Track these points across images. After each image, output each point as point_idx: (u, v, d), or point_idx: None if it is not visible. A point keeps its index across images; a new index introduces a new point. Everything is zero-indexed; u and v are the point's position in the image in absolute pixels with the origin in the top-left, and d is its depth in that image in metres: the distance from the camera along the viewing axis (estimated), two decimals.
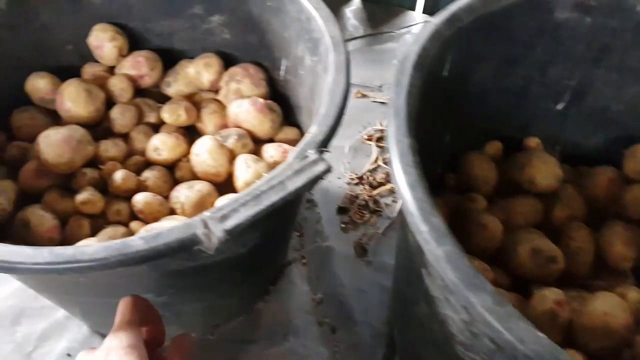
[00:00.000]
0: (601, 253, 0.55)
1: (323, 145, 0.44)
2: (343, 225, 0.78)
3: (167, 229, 0.37)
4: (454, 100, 0.57)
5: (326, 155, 0.41)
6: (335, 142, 0.45)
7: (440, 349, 0.42)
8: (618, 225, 0.55)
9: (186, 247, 0.37)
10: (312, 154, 0.40)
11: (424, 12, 1.08)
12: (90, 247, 0.36)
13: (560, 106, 0.64)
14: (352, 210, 0.79)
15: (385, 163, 0.83)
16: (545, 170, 0.58)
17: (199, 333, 0.65)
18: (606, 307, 0.45)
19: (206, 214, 0.36)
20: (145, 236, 0.37)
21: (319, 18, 0.55)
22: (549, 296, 0.47)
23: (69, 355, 0.65)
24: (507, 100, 0.63)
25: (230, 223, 0.36)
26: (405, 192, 0.36)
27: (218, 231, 0.35)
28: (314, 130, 0.45)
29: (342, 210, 0.79)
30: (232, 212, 0.37)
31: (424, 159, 0.54)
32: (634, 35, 0.56)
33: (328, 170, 0.39)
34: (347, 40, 1.09)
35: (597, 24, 0.56)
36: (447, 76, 0.53)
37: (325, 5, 0.57)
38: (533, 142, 0.65)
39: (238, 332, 0.67)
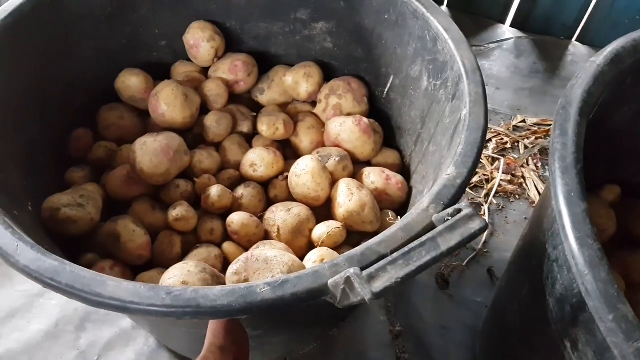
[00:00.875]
0: None
1: (462, 189, 0.40)
2: None
3: (296, 275, 0.33)
4: (587, 142, 0.52)
5: (478, 209, 0.36)
6: None
7: None
8: None
9: (315, 298, 0.33)
10: (466, 207, 0.35)
11: (513, 25, 1.02)
12: (213, 291, 0.32)
13: None
14: None
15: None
16: None
17: (272, 359, 0.62)
18: None
19: (350, 270, 0.32)
20: (271, 282, 0.33)
21: (449, 40, 0.51)
22: None
23: None
24: (637, 143, 0.57)
25: (379, 285, 0.32)
26: (584, 273, 0.31)
27: (366, 293, 0.31)
28: (452, 172, 0.41)
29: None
30: (379, 271, 0.33)
31: None
32: None
33: (485, 228, 0.35)
34: None
35: None
36: (591, 119, 0.48)
37: (456, 26, 0.52)
38: None
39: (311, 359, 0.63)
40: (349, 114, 0.61)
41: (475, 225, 0.34)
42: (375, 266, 0.33)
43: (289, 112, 0.65)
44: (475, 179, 0.78)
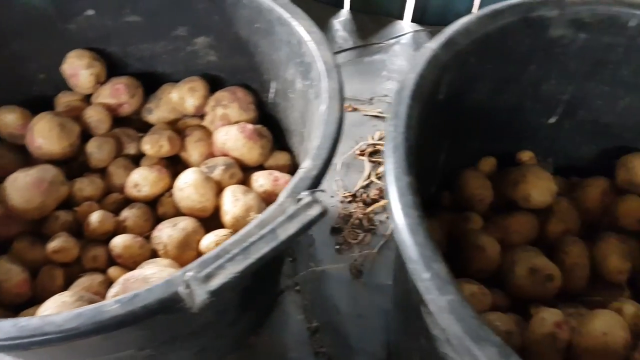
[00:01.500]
0: (596, 267, 0.54)
1: (317, 180, 0.42)
2: (337, 247, 0.76)
3: (146, 289, 0.34)
4: (450, 122, 0.56)
5: (321, 195, 0.38)
6: None
7: None
8: (612, 237, 0.55)
9: (167, 308, 0.34)
10: (306, 196, 0.37)
11: (413, 20, 1.06)
12: (59, 317, 0.33)
13: (553, 120, 0.63)
14: (346, 230, 0.77)
15: (378, 178, 0.81)
16: (540, 186, 0.57)
17: None
18: (605, 327, 0.44)
19: (189, 273, 0.34)
20: (121, 299, 0.34)
21: (311, 42, 0.53)
22: (548, 319, 0.46)
23: None
24: (501, 117, 0.61)
25: (216, 283, 0.33)
26: (406, 237, 0.34)
27: (202, 293, 0.33)
28: (308, 165, 0.43)
29: (335, 231, 0.77)
30: (217, 269, 0.34)
31: (419, 182, 0.53)
32: (625, 49, 0.55)
33: (324, 213, 0.37)
34: (336, 53, 1.10)
35: (590, 39, 0.55)
36: (443, 99, 0.51)
37: (317, 28, 0.54)
38: (526, 155, 0.64)
39: None
40: (237, 122, 0.62)
41: (314, 211, 0.36)
42: (213, 265, 0.34)
43: (179, 128, 0.65)
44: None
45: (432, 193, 0.64)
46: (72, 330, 0.32)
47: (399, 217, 0.35)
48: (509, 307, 0.53)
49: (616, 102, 0.59)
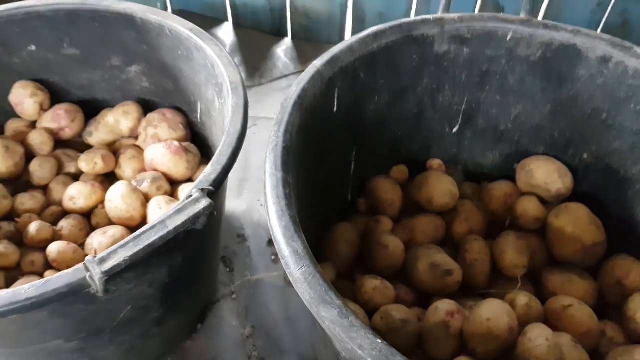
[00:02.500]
0: (496, 263, 0.58)
1: (216, 183, 0.47)
2: (273, 257, 0.80)
3: (57, 275, 0.39)
4: (353, 132, 0.62)
5: (210, 193, 0.44)
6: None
7: None
8: (510, 235, 0.59)
9: (76, 291, 0.39)
10: (195, 192, 0.43)
11: None
12: None
13: (455, 129, 0.68)
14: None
15: None
16: (441, 190, 0.62)
17: None
18: (489, 313, 0.48)
19: (88, 257, 0.39)
20: (35, 283, 0.39)
21: (221, 65, 0.59)
22: (441, 308, 0.51)
23: None
24: (406, 127, 0.67)
25: (108, 265, 0.38)
26: (273, 220, 0.39)
27: (97, 273, 0.37)
28: (208, 170, 0.48)
29: (272, 243, 0.82)
30: (111, 254, 0.39)
31: (324, 184, 0.58)
32: (507, 60, 0.61)
33: (209, 207, 0.42)
34: (278, 78, 1.17)
35: (474, 53, 0.61)
36: (338, 111, 0.57)
37: (226, 52, 0.61)
38: (435, 163, 0.70)
39: None
40: (167, 141, 0.68)
41: (200, 205, 0.42)
42: (107, 251, 0.39)
43: (116, 149, 0.71)
44: None
45: (349, 200, 0.69)
46: None
47: (270, 204, 0.40)
48: (414, 302, 0.58)
49: (509, 110, 0.65)
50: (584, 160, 0.62)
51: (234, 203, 0.87)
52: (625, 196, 0.59)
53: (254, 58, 1.12)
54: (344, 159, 0.64)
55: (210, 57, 0.61)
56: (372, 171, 0.69)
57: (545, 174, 0.62)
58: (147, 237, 0.40)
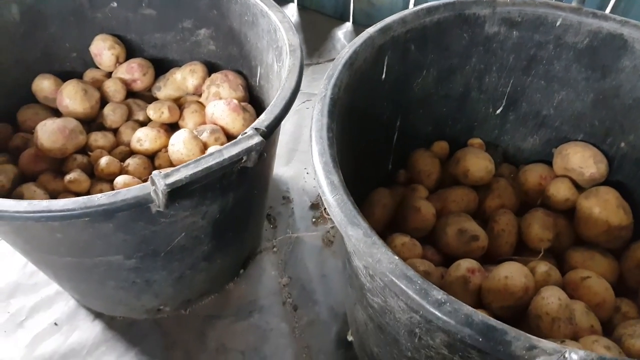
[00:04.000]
0: (522, 235, 0.62)
1: (269, 129, 0.53)
2: (314, 220, 0.86)
3: (127, 189, 0.46)
4: (399, 103, 0.66)
5: (263, 134, 0.49)
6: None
7: (360, 301, 0.49)
8: (539, 211, 0.62)
9: (141, 203, 0.45)
10: (250, 130, 0.48)
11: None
12: (61, 201, 0.45)
13: (498, 111, 0.71)
14: (323, 207, 0.86)
15: None
16: (477, 164, 0.66)
17: (172, 307, 0.73)
18: (508, 272, 0.51)
19: (154, 172, 0.45)
20: (107, 193, 0.45)
21: (282, 29, 0.65)
22: (463, 265, 0.54)
23: (55, 324, 0.73)
24: (451, 105, 0.71)
25: (171, 179, 0.44)
26: (315, 157, 0.44)
27: (161, 185, 0.44)
28: (262, 117, 0.54)
29: (314, 207, 0.87)
30: (174, 171, 0.45)
31: (367, 151, 0.62)
32: (554, 47, 0.64)
33: (261, 144, 0.48)
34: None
35: (523, 37, 0.64)
36: (386, 79, 0.61)
37: (288, 18, 0.66)
38: (476, 142, 0.73)
39: (208, 309, 0.75)
40: (227, 99, 0.74)
41: (253, 141, 0.47)
42: (172, 169, 0.45)
43: (181, 103, 0.78)
44: None
45: (390, 170, 0.74)
46: (70, 211, 0.44)
47: (314, 144, 0.45)
48: (440, 263, 0.62)
49: (552, 96, 0.68)
50: (621, 149, 0.64)
51: (282, 169, 0.93)
52: None
53: (314, 39, 1.17)
54: (387, 129, 0.68)
55: (274, 22, 0.66)
56: (414, 145, 0.72)
57: (581, 159, 0.64)
58: (205, 162, 0.46)
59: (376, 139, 0.67)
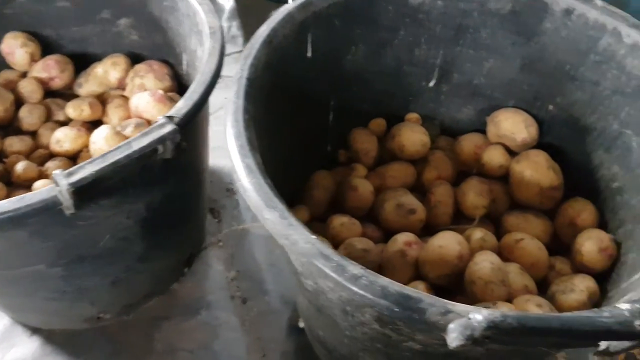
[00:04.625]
0: (459, 204, 0.62)
1: (186, 117, 0.50)
2: None
3: (32, 193, 0.42)
4: (331, 82, 0.64)
5: (179, 123, 0.47)
6: None
7: (299, 286, 0.48)
8: (473, 179, 0.63)
9: (49, 206, 0.42)
10: (162, 119, 0.46)
11: None
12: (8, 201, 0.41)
13: (431, 83, 0.71)
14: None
15: None
16: (412, 138, 0.66)
17: (113, 314, 0.69)
18: (441, 242, 0.52)
19: (55, 171, 0.42)
20: (11, 199, 0.42)
21: (202, 12, 0.62)
22: (399, 238, 0.54)
23: None
24: (385, 81, 0.70)
25: (75, 177, 0.41)
26: (230, 141, 0.42)
27: (64, 184, 0.41)
28: (180, 105, 0.51)
29: None
30: (78, 169, 0.42)
31: (303, 132, 0.61)
32: (479, 14, 0.63)
33: (174, 132, 0.45)
34: None
35: (448, 6, 0.63)
36: (314, 57, 0.60)
37: (209, 1, 0.63)
38: (412, 117, 0.72)
39: (153, 311, 0.72)
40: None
41: (165, 130, 0.45)
42: (75, 167, 0.42)
43: (104, 99, 0.74)
44: None
45: (330, 151, 0.72)
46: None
47: (229, 127, 0.43)
48: (380, 239, 0.61)
49: (482, 64, 0.68)
50: (549, 111, 0.65)
51: (224, 161, 0.90)
52: (584, 144, 0.61)
53: (254, 23, 1.13)
54: (322, 108, 0.67)
55: (193, 5, 0.63)
56: (353, 124, 0.71)
57: (512, 125, 0.64)
58: (112, 156, 0.43)
59: (311, 120, 0.66)
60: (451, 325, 0.29)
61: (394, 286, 0.32)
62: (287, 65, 0.55)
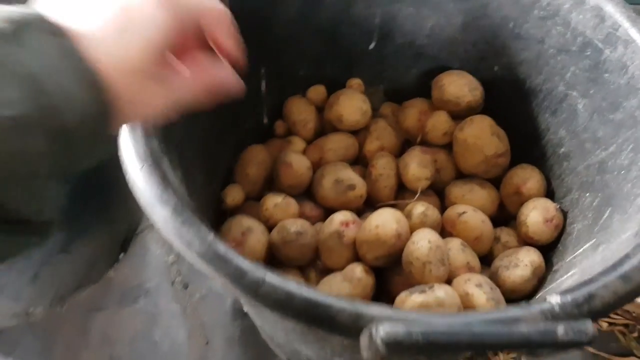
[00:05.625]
0: (401, 177, 0.58)
1: None
2: None
3: None
4: (260, 44, 0.59)
5: None
6: None
7: None
8: (416, 149, 0.59)
9: None
10: None
11: None
12: None
13: (372, 45, 0.66)
14: None
15: None
16: (350, 107, 0.61)
17: (44, 307, 0.65)
18: (379, 220, 0.48)
19: None
20: None
21: None
22: (336, 219, 0.51)
23: None
24: (322, 43, 0.64)
25: None
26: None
27: None
28: None
29: None
30: None
31: (233, 106, 0.55)
32: None
33: None
34: None
35: None
36: (236, 16, 0.54)
37: None
38: (354, 82, 0.68)
39: (87, 301, 0.67)
40: None
41: None
42: None
43: None
44: None
45: (267, 123, 0.67)
46: None
47: None
48: (320, 218, 0.57)
49: (423, 23, 0.63)
50: (495, 72, 0.61)
51: None
52: (531, 107, 0.58)
53: None
54: (251, 77, 0.61)
55: None
56: (290, 92, 0.66)
57: (456, 88, 0.60)
58: None
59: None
60: (361, 336, 0.26)
61: (301, 292, 0.28)
62: None
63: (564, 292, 0.28)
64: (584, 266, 0.40)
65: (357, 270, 0.48)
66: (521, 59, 0.58)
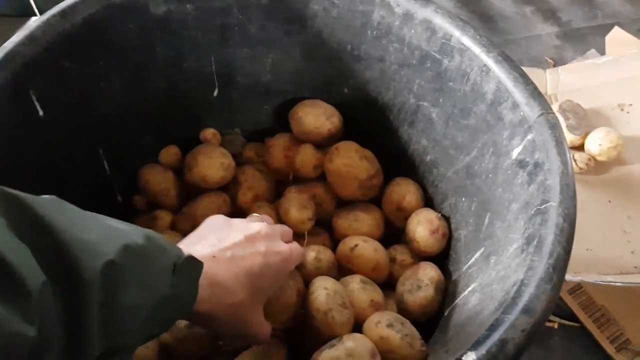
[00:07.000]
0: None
1: None
2: None
3: None
4: (90, 129, 0.52)
5: None
6: None
7: None
8: (291, 191, 0.57)
9: None
10: None
11: None
12: None
13: (216, 92, 0.62)
14: None
15: None
16: (212, 165, 0.57)
17: None
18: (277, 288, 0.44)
19: None
20: None
21: None
22: None
23: None
24: (160, 105, 0.59)
25: None
26: None
27: None
28: None
29: None
30: None
31: (76, 193, 0.48)
32: (239, 10, 0.55)
33: None
34: None
35: (200, 8, 0.54)
36: (48, 115, 0.46)
37: None
38: (208, 133, 0.63)
39: None
40: None
41: None
42: None
43: None
44: None
45: (122, 201, 0.60)
46: None
47: None
48: None
49: (263, 61, 0.60)
50: (346, 94, 0.61)
51: None
52: (389, 121, 0.58)
53: None
54: (90, 165, 0.54)
55: None
56: (139, 163, 0.60)
57: (314, 119, 0.59)
58: None
59: (80, 177, 0.53)
60: None
61: None
62: (6, 134, 0.41)
63: (477, 345, 0.27)
64: (482, 282, 0.40)
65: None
66: (366, 78, 0.58)
